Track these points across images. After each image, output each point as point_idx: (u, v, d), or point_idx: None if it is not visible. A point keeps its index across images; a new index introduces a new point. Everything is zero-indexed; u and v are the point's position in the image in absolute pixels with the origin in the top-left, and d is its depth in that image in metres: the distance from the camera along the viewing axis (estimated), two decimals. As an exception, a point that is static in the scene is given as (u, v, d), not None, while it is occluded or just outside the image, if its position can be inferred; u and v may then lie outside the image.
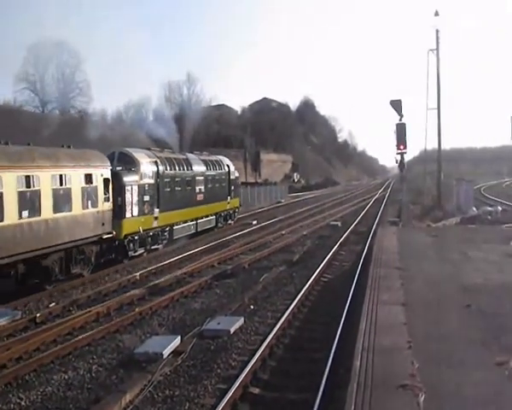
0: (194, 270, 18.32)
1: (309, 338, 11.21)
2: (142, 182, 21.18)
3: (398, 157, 26.98)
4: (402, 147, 25.12)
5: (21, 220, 14.34)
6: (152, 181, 22.01)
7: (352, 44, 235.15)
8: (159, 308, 13.77)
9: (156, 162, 22.65)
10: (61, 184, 16.06)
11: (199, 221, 26.85)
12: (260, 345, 10.32)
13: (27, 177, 14.67)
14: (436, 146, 32.89)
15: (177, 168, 24.67)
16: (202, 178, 27.75)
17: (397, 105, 25.16)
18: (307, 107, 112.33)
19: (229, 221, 32.44)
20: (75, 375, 9.64)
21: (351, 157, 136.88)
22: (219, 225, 30.19)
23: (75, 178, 16.73)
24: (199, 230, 26.84)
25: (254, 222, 33.07)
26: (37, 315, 12.92)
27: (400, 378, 6.75)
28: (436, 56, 30.83)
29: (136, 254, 20.76)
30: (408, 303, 10.43)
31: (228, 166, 32.33)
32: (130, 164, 21.06)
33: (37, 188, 14.92)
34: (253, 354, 9.80)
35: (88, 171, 17.50)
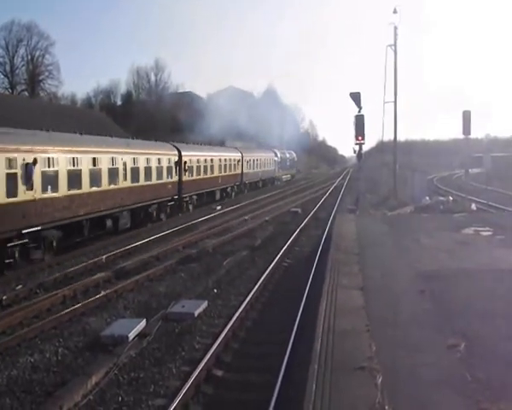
0: (159, 254, 18.41)
1: (271, 321, 11.43)
2: (277, 160, 62.56)
3: (357, 147, 27.74)
4: (360, 138, 25.76)
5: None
6: (279, 160, 63.43)
7: (315, 36, 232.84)
8: (124, 291, 13.82)
9: (280, 153, 64.39)
10: (263, 159, 57.06)
11: (287, 176, 68.39)
12: (223, 328, 10.44)
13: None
14: (392, 137, 33.84)
15: (282, 155, 65.58)
16: (287, 159, 69.78)
17: (356, 97, 25.75)
18: (270, 96, 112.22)
19: (293, 179, 71.18)
20: (41, 358, 9.59)
21: (311, 146, 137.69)
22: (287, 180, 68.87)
23: (270, 159, 59.85)
24: (285, 180, 66.26)
25: (219, 207, 33.46)
26: (4, 297, 12.78)
27: (359, 360, 7.03)
28: (394, 52, 31.66)
29: (278, 183, 61.45)
30: (366, 288, 10.78)
31: (294, 154, 75.60)
32: (275, 154, 61.61)
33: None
34: (217, 337, 9.92)
35: (270, 157, 59.60)
